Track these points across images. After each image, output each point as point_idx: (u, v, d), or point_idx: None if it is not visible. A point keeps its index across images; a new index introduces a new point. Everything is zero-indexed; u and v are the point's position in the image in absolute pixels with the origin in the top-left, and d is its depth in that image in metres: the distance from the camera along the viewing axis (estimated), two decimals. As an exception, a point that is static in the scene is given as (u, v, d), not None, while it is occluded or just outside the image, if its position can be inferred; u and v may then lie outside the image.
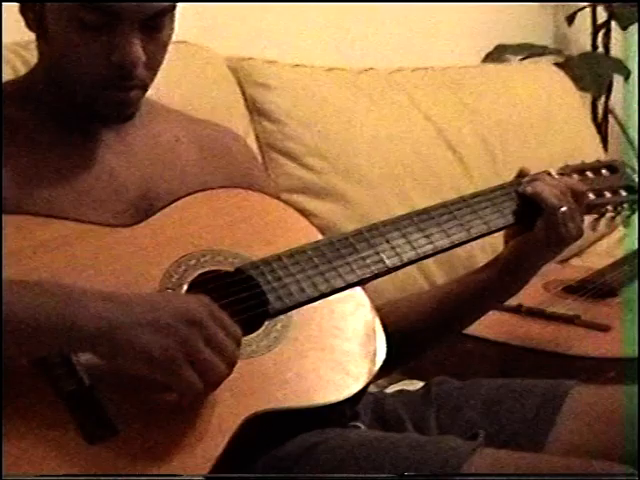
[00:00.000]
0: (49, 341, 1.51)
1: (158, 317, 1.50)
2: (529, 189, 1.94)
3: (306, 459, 1.60)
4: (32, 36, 1.79)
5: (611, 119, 3.65)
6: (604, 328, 2.33)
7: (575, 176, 2.08)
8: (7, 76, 1.99)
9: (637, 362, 1.79)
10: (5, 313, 1.47)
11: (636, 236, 2.70)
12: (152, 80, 1.76)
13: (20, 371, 1.52)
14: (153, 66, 1.73)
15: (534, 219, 1.92)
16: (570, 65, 3.37)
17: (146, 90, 1.77)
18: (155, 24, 1.70)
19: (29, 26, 1.77)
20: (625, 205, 2.17)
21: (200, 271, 1.69)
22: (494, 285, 1.99)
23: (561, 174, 2.04)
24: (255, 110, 2.48)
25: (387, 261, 1.80)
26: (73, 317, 1.48)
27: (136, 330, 1.49)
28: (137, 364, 1.51)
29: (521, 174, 2.01)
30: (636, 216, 2.21)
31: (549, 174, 2.01)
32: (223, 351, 1.51)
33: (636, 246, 2.88)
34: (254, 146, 2.36)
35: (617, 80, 3.63)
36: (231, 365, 1.52)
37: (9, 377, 1.50)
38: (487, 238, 1.97)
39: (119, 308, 1.50)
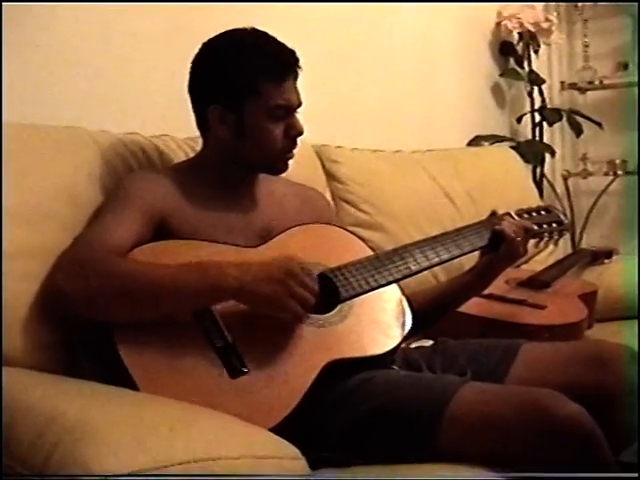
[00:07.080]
0: (206, 297, 1.53)
1: (269, 273, 1.51)
2: (497, 227, 1.93)
3: (363, 386, 1.59)
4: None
5: (544, 180, 3.64)
6: (541, 307, 2.30)
7: (525, 215, 2.09)
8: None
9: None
10: (182, 281, 1.50)
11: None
12: None
13: (182, 322, 1.52)
14: None
15: (499, 244, 1.92)
16: (519, 147, 3.35)
17: None
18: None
19: (203, 127, 1.80)
20: (555, 232, 2.18)
21: None
22: (474, 282, 1.99)
23: (518, 214, 2.04)
24: (330, 176, 2.47)
25: (412, 267, 1.80)
26: (219, 281, 1.51)
27: (257, 284, 1.50)
28: (260, 304, 1.53)
29: (492, 214, 2.02)
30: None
31: (509, 214, 2.01)
32: (308, 289, 1.53)
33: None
34: (329, 198, 2.35)
35: (547, 157, 3.62)
36: (314, 295, 1.55)
37: (174, 326, 1.51)
38: (471, 254, 1.97)
39: (245, 272, 1.52)
